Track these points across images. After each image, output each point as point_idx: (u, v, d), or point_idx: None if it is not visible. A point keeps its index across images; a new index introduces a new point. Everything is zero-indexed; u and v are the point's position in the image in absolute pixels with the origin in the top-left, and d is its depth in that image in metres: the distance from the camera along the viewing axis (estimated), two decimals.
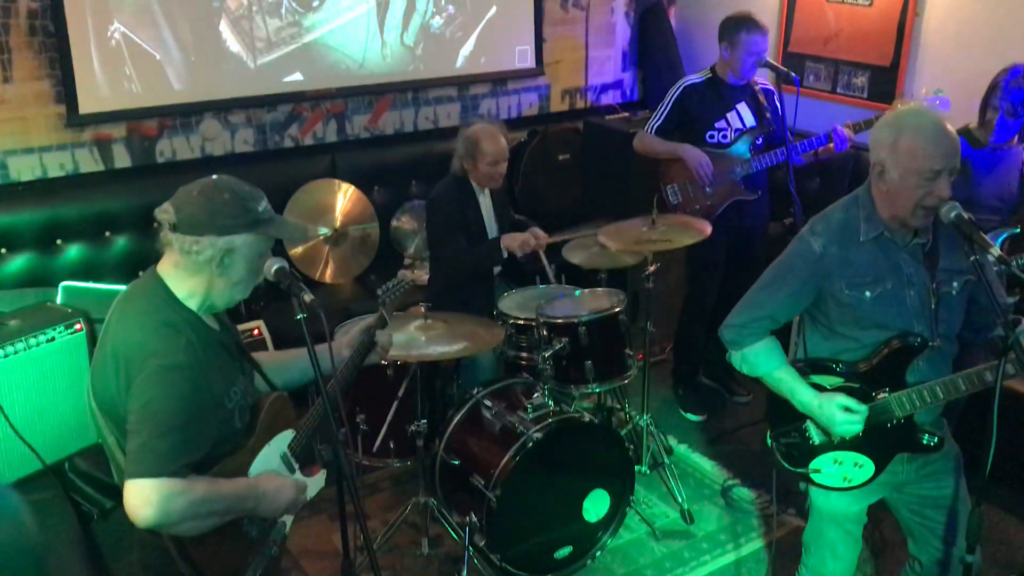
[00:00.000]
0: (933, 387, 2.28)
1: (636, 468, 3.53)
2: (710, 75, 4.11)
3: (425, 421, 3.24)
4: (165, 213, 1.97)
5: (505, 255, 3.65)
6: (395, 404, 3.23)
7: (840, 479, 2.40)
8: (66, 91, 4.05)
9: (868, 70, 4.62)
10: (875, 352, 2.33)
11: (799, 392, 2.37)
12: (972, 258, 2.20)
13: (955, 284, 2.33)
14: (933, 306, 2.30)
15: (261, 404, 2.16)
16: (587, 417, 3.25)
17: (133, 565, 2.10)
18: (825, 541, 2.58)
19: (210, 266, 1.97)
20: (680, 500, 3.64)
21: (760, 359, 2.45)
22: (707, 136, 4.07)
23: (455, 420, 3.28)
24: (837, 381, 2.37)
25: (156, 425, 1.86)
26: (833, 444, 2.39)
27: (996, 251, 2.19)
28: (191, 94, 4.36)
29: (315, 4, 4.56)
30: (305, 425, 2.23)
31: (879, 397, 2.33)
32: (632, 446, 3.81)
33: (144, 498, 1.82)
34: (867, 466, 2.38)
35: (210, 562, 1.98)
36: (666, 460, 3.82)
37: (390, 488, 3.82)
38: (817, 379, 2.39)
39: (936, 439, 2.36)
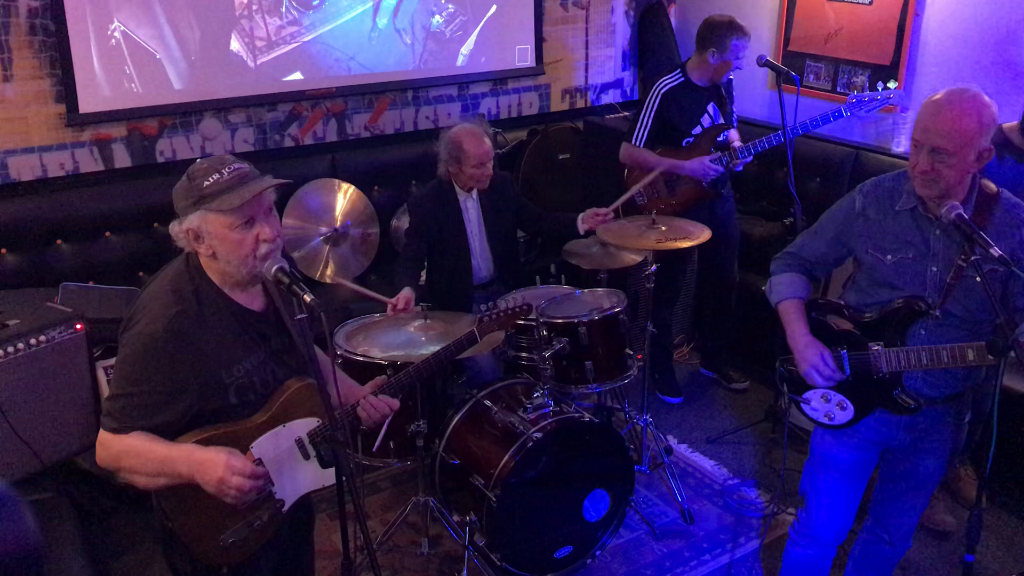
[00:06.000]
0: (919, 351, 2.37)
1: (636, 468, 3.53)
2: (682, 78, 4.12)
3: (425, 421, 3.24)
4: None
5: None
6: None
7: (823, 415, 2.57)
8: (66, 90, 4.04)
9: (868, 69, 4.61)
10: (882, 307, 2.45)
11: (793, 326, 2.54)
12: (972, 257, 2.21)
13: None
14: (949, 281, 2.36)
15: (287, 386, 2.18)
16: (587, 417, 3.25)
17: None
18: (817, 487, 2.70)
19: (193, 247, 2.06)
20: (680, 500, 3.65)
21: (776, 287, 2.63)
22: (683, 143, 4.14)
23: (455, 420, 3.28)
24: (846, 324, 2.51)
25: (116, 385, 2.03)
26: None
27: (996, 251, 2.19)
28: (191, 93, 4.35)
29: (315, 3, 4.56)
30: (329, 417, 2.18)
31: (873, 348, 2.44)
32: (632, 446, 3.81)
33: (96, 443, 2.06)
34: (848, 410, 2.53)
35: (180, 514, 2.12)
36: (666, 460, 3.82)
37: (390, 488, 3.82)
38: (830, 318, 2.55)
39: (913, 404, 2.44)
